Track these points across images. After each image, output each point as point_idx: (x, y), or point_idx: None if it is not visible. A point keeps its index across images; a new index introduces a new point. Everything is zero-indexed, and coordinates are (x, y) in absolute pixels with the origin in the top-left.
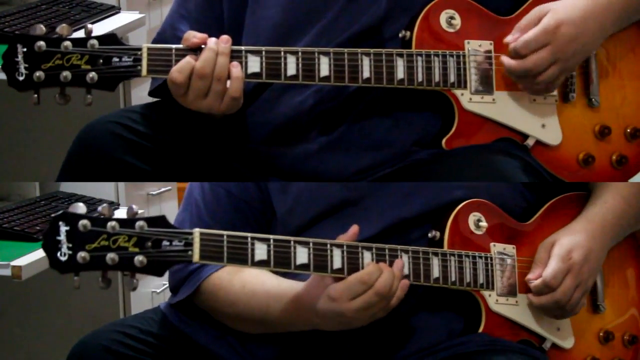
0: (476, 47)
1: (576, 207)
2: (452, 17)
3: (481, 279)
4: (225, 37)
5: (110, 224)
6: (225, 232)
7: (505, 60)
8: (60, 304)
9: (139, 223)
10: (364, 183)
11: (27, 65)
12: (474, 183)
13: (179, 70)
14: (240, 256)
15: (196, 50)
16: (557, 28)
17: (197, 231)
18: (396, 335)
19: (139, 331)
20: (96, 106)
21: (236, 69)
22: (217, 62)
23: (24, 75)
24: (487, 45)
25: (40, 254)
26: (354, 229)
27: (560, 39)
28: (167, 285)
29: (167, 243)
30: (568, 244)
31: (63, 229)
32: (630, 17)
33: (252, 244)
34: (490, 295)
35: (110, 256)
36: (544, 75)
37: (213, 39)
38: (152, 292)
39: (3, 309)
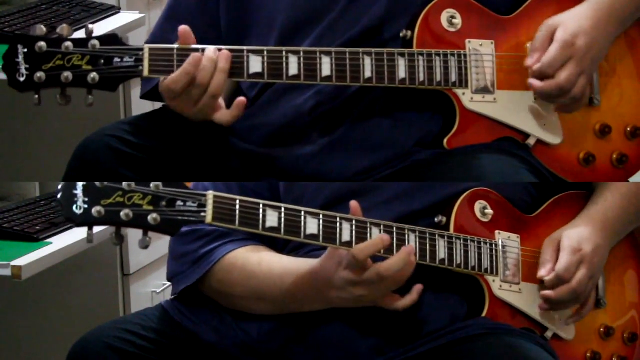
0: (477, 47)
1: (579, 205)
2: (453, 17)
3: (486, 263)
4: (225, 54)
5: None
6: (237, 197)
7: (536, 83)
8: (60, 304)
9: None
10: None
11: (27, 66)
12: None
13: (175, 81)
14: (252, 221)
15: (198, 49)
16: (574, 41)
17: (210, 193)
18: (401, 321)
19: (140, 328)
20: (96, 108)
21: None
22: (215, 76)
23: (24, 76)
24: (488, 44)
25: (40, 254)
26: (354, 203)
27: (580, 50)
28: (167, 284)
29: (181, 203)
30: (577, 237)
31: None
32: (633, 17)
33: (264, 211)
34: (494, 281)
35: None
36: (576, 88)
37: (212, 48)
38: (152, 292)
39: (3, 309)
